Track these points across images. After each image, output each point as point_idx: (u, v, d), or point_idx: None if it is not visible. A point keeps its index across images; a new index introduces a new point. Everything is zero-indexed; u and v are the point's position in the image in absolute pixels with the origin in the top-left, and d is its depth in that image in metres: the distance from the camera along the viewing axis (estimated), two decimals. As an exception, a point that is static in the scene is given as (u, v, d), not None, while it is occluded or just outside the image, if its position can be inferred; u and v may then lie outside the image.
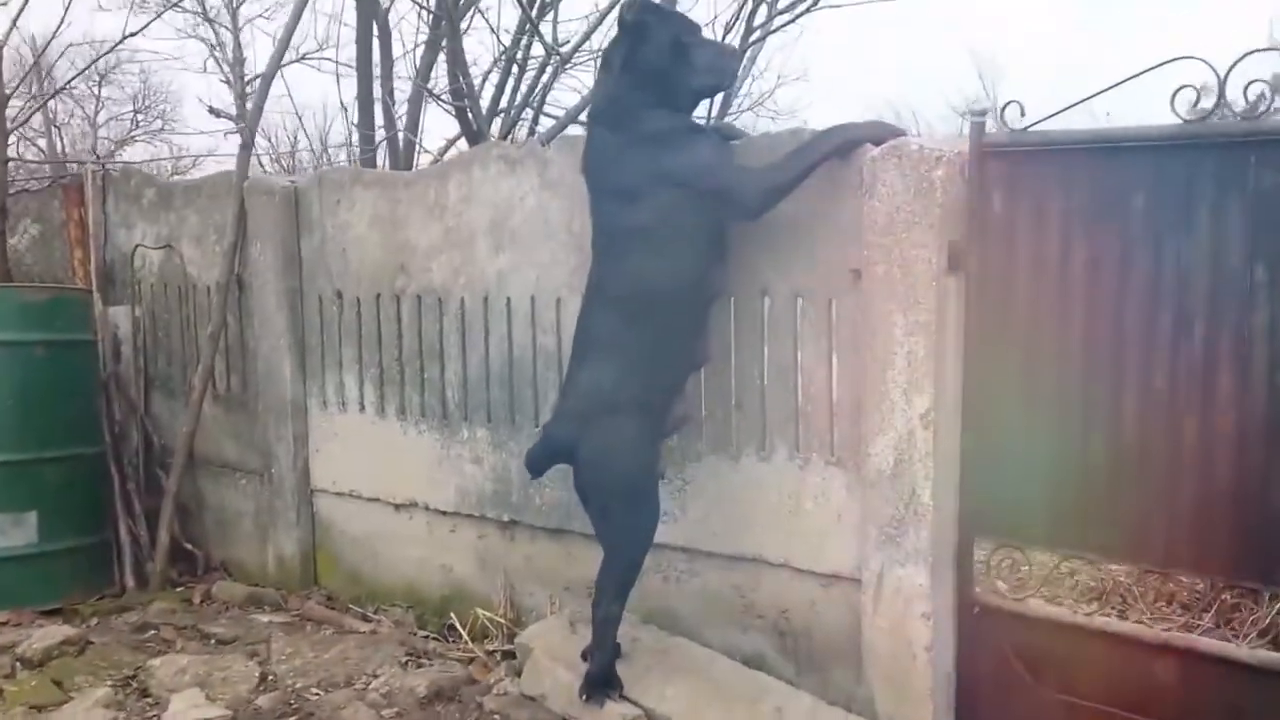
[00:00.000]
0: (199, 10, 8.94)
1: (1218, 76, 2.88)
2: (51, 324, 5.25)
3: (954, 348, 3.36)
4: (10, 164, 6.48)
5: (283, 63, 5.41)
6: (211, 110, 7.76)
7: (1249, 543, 2.93)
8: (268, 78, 5.30)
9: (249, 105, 5.58)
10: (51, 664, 4.25)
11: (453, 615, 4.56)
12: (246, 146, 5.34)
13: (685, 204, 3.46)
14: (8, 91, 6.25)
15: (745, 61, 6.11)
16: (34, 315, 5.20)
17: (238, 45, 10.75)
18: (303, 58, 7.38)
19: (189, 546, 5.61)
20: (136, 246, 5.77)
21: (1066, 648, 3.26)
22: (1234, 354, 2.92)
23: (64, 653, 4.33)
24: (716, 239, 3.57)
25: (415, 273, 4.72)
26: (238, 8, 10.39)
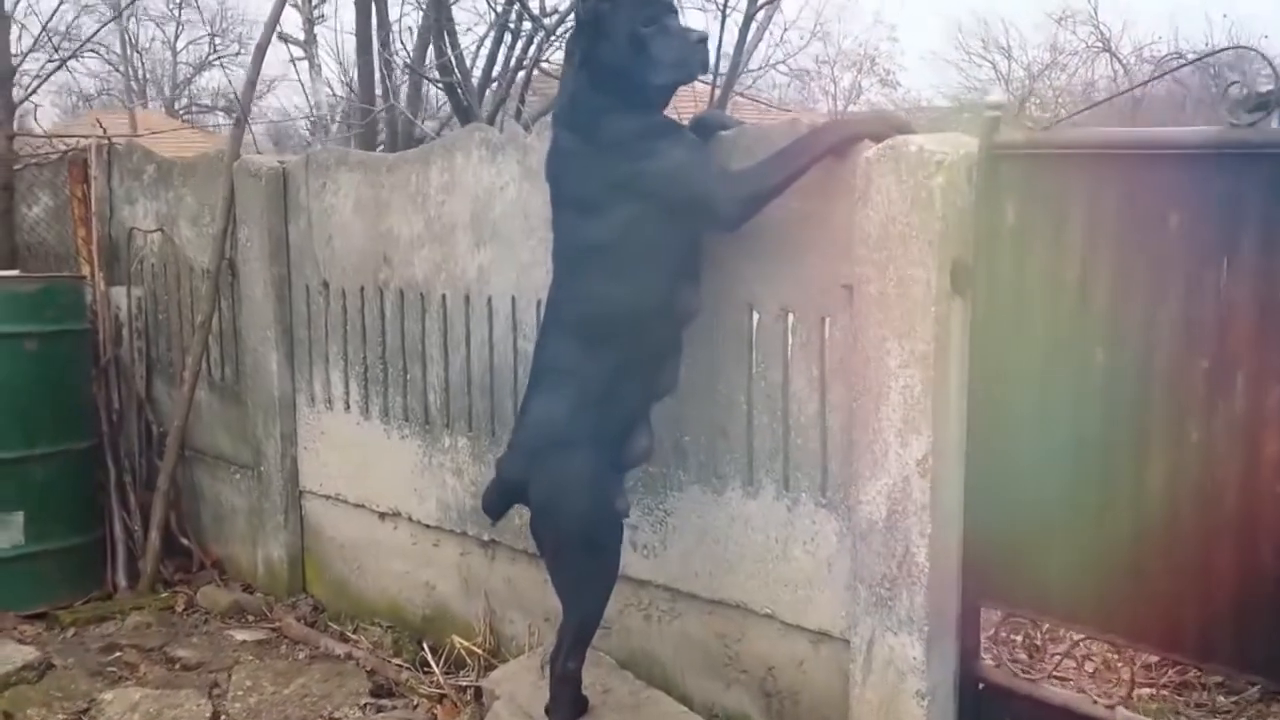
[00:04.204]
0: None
1: (1275, 72, 2.33)
2: (41, 314, 4.96)
3: (957, 383, 2.86)
4: (17, 138, 6.22)
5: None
6: (280, 37, 7.45)
7: (1297, 643, 2.41)
8: (261, 48, 4.93)
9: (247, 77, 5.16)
10: (7, 692, 4.00)
11: (430, 642, 4.22)
12: (240, 123, 4.99)
13: (651, 217, 3.00)
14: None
15: (760, 20, 5.50)
16: (23, 306, 4.91)
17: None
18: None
19: (185, 542, 5.35)
20: (131, 229, 5.47)
21: (1082, 741, 2.78)
22: (1285, 413, 2.38)
23: (22, 679, 4.08)
24: (687, 255, 3.11)
25: (398, 265, 4.33)
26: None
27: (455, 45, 5.14)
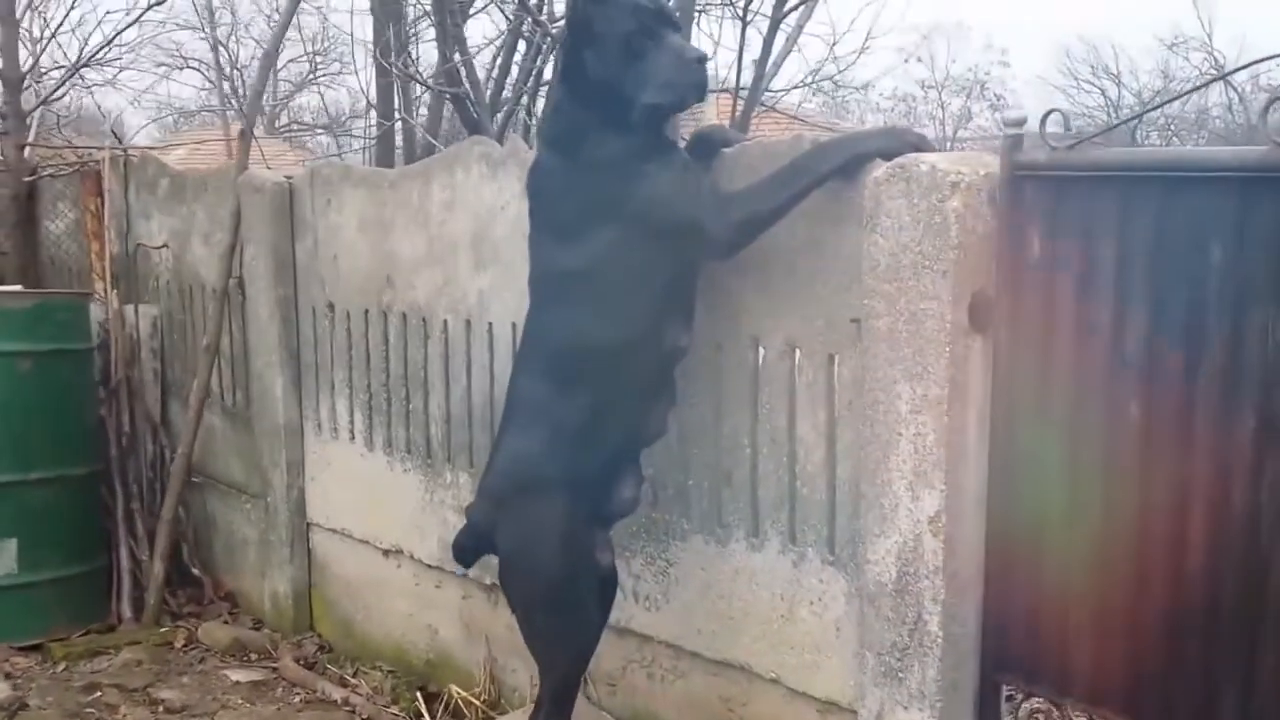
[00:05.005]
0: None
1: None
2: (37, 333, 4.77)
3: (976, 432, 2.55)
4: (30, 148, 6.08)
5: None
6: (376, 59, 7.29)
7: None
8: (269, 56, 4.73)
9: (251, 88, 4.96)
10: (-28, 735, 3.83)
11: (433, 688, 3.98)
12: (246, 134, 4.79)
13: (636, 244, 2.72)
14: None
15: (789, 28, 5.16)
16: (17, 324, 4.74)
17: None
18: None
19: (196, 572, 5.17)
20: (138, 245, 5.30)
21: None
22: (1348, 479, 2.04)
23: (-10, 721, 3.90)
24: (677, 286, 2.82)
25: (400, 287, 4.09)
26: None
27: (465, 53, 4.89)
